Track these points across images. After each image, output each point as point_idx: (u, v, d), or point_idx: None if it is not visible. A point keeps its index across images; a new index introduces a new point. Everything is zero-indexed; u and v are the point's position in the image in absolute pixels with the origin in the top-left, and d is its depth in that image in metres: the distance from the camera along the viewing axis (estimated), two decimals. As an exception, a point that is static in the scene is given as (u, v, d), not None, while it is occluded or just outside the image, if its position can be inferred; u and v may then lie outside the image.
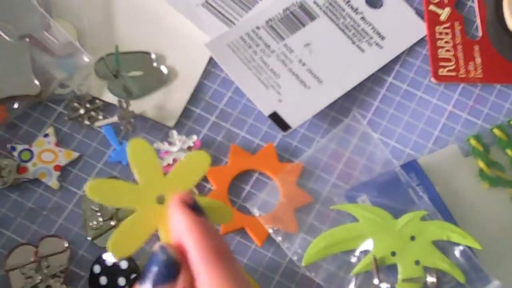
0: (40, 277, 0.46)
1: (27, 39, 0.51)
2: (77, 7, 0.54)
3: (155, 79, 0.53)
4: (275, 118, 0.51)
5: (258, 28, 0.55)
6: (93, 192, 0.35)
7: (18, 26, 0.51)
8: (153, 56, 0.53)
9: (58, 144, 0.50)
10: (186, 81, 0.53)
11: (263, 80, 0.53)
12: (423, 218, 0.48)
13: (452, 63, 0.55)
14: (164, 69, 0.53)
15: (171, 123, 0.52)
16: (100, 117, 0.51)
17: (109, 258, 0.46)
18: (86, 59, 0.51)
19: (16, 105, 0.50)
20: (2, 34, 0.50)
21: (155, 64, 0.53)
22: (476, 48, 0.56)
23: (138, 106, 0.51)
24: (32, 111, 0.51)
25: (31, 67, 0.50)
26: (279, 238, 0.48)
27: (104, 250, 0.47)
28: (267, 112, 0.51)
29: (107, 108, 0.52)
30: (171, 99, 0.53)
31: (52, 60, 0.51)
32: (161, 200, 0.36)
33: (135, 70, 0.53)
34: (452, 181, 0.51)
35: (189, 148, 0.50)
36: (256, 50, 0.54)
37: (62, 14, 0.54)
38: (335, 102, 0.53)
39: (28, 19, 0.51)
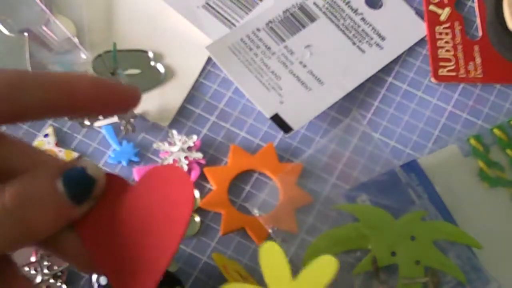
0: (40, 277, 0.46)
1: (26, 34, 0.51)
2: (77, 4, 0.54)
3: (151, 78, 0.53)
4: (277, 120, 0.51)
5: (258, 30, 0.55)
6: None
7: (18, 20, 0.51)
8: (150, 54, 0.54)
9: (58, 144, 0.50)
10: (182, 81, 0.54)
11: (264, 82, 0.53)
12: (423, 218, 0.48)
13: (452, 63, 0.55)
14: (161, 68, 0.53)
15: (166, 123, 0.52)
16: (100, 117, 0.51)
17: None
18: (83, 56, 0.51)
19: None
20: (1, 28, 0.50)
21: (152, 63, 0.53)
22: (476, 48, 0.56)
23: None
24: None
25: (29, 61, 0.50)
26: (279, 238, 0.48)
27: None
28: (268, 114, 0.51)
29: (107, 108, 0.52)
30: (167, 99, 0.53)
31: (50, 56, 0.51)
32: None
33: (132, 68, 0.53)
34: (452, 181, 0.50)
35: (189, 148, 0.50)
36: (257, 52, 0.54)
37: (62, 10, 0.54)
38: (335, 102, 0.53)
39: (28, 13, 0.51)
